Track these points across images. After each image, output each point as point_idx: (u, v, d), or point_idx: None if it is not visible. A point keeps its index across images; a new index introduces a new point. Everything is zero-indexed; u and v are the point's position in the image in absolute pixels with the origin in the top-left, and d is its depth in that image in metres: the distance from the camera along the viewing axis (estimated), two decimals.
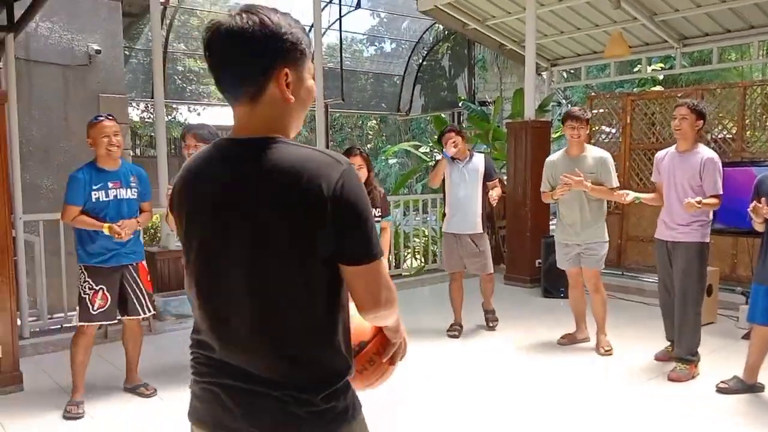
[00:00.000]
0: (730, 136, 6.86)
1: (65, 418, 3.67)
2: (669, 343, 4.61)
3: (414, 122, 18.38)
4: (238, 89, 1.30)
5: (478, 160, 5.23)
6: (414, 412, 3.70)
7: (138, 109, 15.46)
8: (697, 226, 4.20)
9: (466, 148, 5.24)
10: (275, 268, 1.26)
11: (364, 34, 15.80)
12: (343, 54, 11.68)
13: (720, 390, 4.00)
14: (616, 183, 4.68)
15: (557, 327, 5.25)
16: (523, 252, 7.42)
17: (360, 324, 1.43)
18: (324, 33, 9.96)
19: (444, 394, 4.02)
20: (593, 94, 9.82)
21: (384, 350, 1.50)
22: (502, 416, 3.67)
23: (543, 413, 3.71)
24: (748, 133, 6.77)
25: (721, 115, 6.90)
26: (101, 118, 3.82)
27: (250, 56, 1.26)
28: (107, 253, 3.80)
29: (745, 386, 3.98)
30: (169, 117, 15.45)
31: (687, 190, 4.19)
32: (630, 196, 4.44)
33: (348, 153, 4.56)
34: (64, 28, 7.23)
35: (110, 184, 3.81)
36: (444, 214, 5.41)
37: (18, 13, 5.90)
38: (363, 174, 4.46)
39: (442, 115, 11.85)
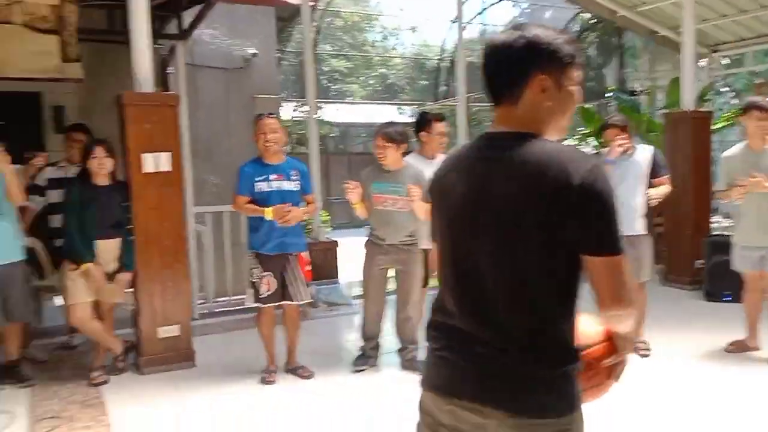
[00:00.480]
0: None
1: (263, 382, 4.15)
2: None
3: None
4: (500, 94, 1.47)
5: (643, 154, 4.63)
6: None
7: (289, 108, 16.33)
8: None
9: (632, 144, 4.63)
10: (521, 253, 1.37)
11: (505, 27, 15.55)
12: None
13: None
14: None
15: (722, 333, 4.83)
16: (682, 252, 6.92)
17: (588, 329, 1.48)
18: (465, 27, 9.91)
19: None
20: (761, 81, 8.95)
21: (606, 357, 1.51)
22: None
23: None
24: None
25: None
26: (263, 115, 4.18)
27: (509, 65, 1.44)
28: (274, 241, 4.09)
29: None
30: (316, 115, 16.18)
31: None
32: None
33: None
34: (225, 34, 7.80)
35: (272, 177, 4.12)
36: None
37: (186, 22, 6.47)
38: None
39: (590, 107, 11.34)
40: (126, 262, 4.25)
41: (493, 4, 10.17)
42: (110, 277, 4.20)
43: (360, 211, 4.26)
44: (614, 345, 1.52)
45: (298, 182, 4.20)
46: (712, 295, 6.20)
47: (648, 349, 4.64)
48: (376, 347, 4.49)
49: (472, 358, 1.42)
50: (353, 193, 4.15)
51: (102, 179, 4.16)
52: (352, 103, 14.64)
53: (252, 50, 7.83)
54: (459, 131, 7.16)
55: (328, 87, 13.52)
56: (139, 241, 4.30)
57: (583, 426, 1.44)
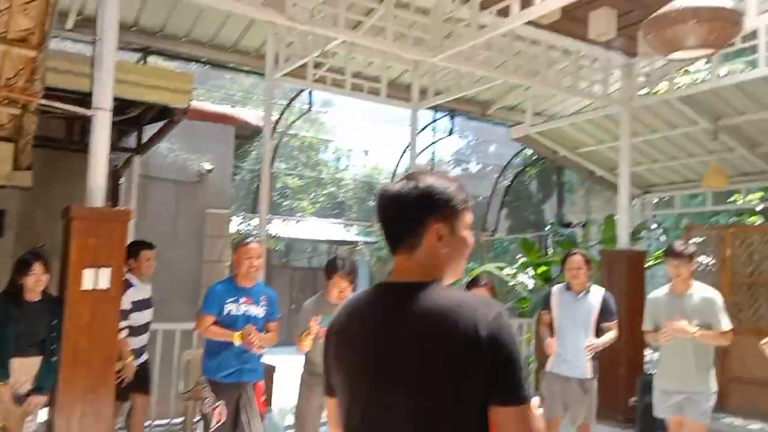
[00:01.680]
0: None
1: None
2: None
3: (497, 242, 18.39)
4: (398, 242, 1.50)
5: (596, 296, 4.68)
6: None
7: (236, 221, 16.35)
8: None
9: (586, 280, 4.73)
10: (431, 409, 1.35)
11: (452, 157, 16.36)
12: None
13: None
14: (727, 326, 4.27)
15: None
16: (616, 389, 6.98)
17: None
18: (418, 155, 10.39)
19: None
20: (690, 224, 9.57)
21: None
22: None
23: None
24: None
25: None
26: (249, 241, 4.14)
27: (406, 215, 1.48)
28: (231, 368, 3.93)
29: None
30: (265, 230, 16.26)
31: None
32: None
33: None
34: (182, 147, 7.90)
35: (243, 300, 4.03)
36: (534, 345, 5.10)
37: (146, 135, 6.56)
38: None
39: (529, 238, 11.79)
40: (42, 383, 3.88)
41: (441, 139, 10.77)
42: (21, 399, 3.84)
43: (307, 345, 4.05)
44: None
45: (265, 308, 4.12)
46: None
47: None
48: None
49: None
50: (314, 327, 3.93)
51: (34, 295, 3.94)
52: (301, 219, 14.83)
53: (208, 165, 7.93)
54: None
55: (279, 202, 13.72)
56: (66, 360, 3.95)
57: None
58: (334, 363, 1.53)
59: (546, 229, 12.17)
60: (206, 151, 8.05)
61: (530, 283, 9.46)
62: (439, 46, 5.68)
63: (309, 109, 9.09)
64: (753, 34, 6.15)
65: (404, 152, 10.72)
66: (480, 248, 19.48)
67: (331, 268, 4.13)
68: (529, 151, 12.44)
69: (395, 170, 12.80)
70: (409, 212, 1.47)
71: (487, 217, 13.77)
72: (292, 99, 9.07)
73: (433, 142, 10.79)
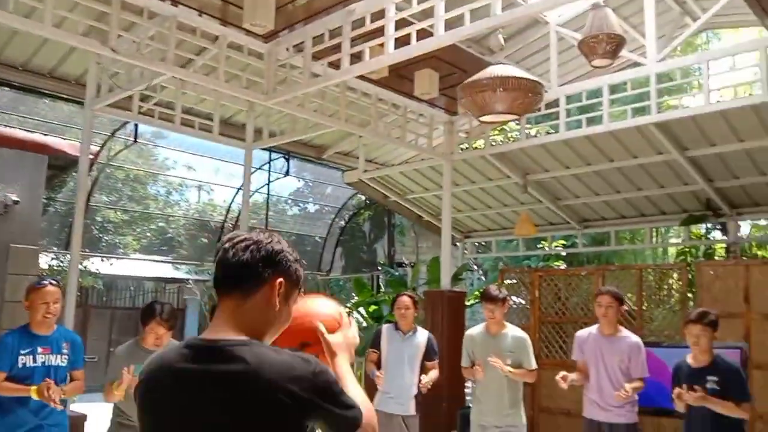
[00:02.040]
0: (630, 311, 7.35)
1: None
2: None
3: (333, 281, 18.58)
4: (234, 284, 1.51)
5: (422, 336, 5.02)
6: None
7: (48, 257, 14.91)
8: (630, 407, 4.47)
9: (413, 321, 5.05)
10: None
11: (288, 197, 16.36)
12: (268, 213, 11.99)
13: None
14: (534, 365, 4.72)
15: None
16: (438, 423, 7.33)
17: (308, 322, 1.66)
18: (252, 194, 10.27)
19: None
20: (504, 267, 10.40)
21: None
22: None
23: None
24: (645, 309, 7.29)
25: (621, 292, 7.43)
26: (45, 283, 3.72)
27: (255, 259, 1.51)
28: (27, 426, 3.55)
29: None
30: (81, 266, 14.96)
31: (617, 373, 4.46)
32: (569, 379, 4.44)
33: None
34: None
35: (40, 350, 3.65)
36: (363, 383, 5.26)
37: None
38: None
39: (362, 277, 12.10)
40: None
41: (278, 178, 10.77)
42: None
43: (118, 396, 3.74)
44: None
45: (67, 356, 3.76)
46: None
47: None
48: None
49: None
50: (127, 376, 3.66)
51: None
52: (123, 258, 13.90)
53: (14, 197, 7.19)
54: None
55: (99, 237, 12.77)
56: None
57: None
58: (141, 415, 1.51)
59: (378, 269, 12.55)
60: (13, 181, 7.31)
61: (363, 322, 9.68)
62: (272, 90, 5.74)
63: (134, 141, 8.63)
64: (555, 102, 6.97)
65: (238, 191, 10.55)
66: (317, 287, 19.59)
67: (147, 313, 3.92)
68: (363, 196, 12.86)
69: (229, 207, 12.55)
70: (261, 258, 1.50)
71: (323, 256, 13.92)
72: (116, 130, 8.59)
73: (269, 182, 10.75)
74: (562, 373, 4.49)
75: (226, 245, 1.53)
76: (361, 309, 10.12)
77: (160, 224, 20.00)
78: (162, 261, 17.85)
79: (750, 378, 5.69)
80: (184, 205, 20.44)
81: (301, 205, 16.90)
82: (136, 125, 8.38)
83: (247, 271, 1.50)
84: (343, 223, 14.00)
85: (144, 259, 17.22)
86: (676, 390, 3.97)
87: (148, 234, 19.26)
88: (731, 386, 3.90)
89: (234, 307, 1.50)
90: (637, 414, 4.57)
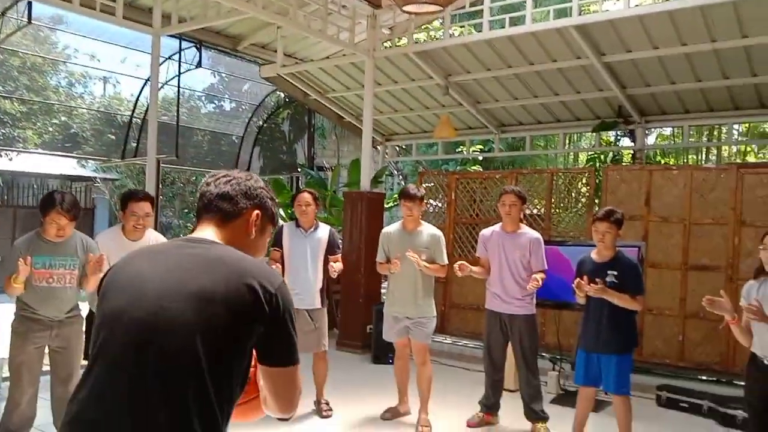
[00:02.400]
0: (539, 213, 7.66)
1: None
2: (479, 409, 4.95)
3: None
4: (213, 213, 1.65)
5: (323, 231, 5.06)
6: None
7: None
8: (530, 299, 4.76)
9: (315, 217, 5.06)
10: (208, 330, 1.43)
11: (202, 92, 15.57)
12: (179, 108, 11.39)
13: None
14: (446, 261, 4.87)
15: (385, 396, 5.32)
16: (355, 318, 7.55)
17: None
18: (161, 87, 9.68)
19: None
20: (423, 170, 10.50)
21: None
22: None
23: None
24: (554, 212, 7.62)
25: (532, 195, 7.69)
26: None
27: (237, 191, 1.66)
28: None
29: None
30: None
31: (519, 267, 4.72)
32: (468, 269, 4.66)
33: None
34: None
35: None
36: None
37: None
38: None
39: (281, 179, 11.91)
40: None
41: (189, 70, 10.14)
42: None
43: (18, 289, 3.63)
44: None
45: None
46: (379, 359, 6.87)
47: (330, 410, 5.01)
48: None
49: None
50: (25, 268, 3.54)
51: None
52: (23, 152, 12.96)
53: None
54: (148, 189, 6.81)
55: None
56: None
57: None
58: (105, 287, 1.56)
59: (298, 170, 12.36)
60: None
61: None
62: None
63: (28, 22, 7.80)
64: (481, 1, 6.83)
65: (146, 82, 9.91)
66: None
67: (47, 203, 3.71)
68: (282, 93, 12.42)
69: (136, 101, 11.81)
70: (240, 191, 1.65)
71: (240, 156, 13.52)
72: (6, 9, 7.72)
73: (179, 74, 10.12)
74: (460, 262, 4.69)
75: (209, 180, 1.68)
76: (280, 211, 10.02)
77: (63, 118, 18.69)
78: (67, 156, 16.88)
79: (645, 275, 6.14)
80: (88, 99, 19.11)
81: (216, 102, 16.15)
82: (29, 3, 7.54)
83: (227, 201, 1.64)
84: (261, 122, 13.54)
85: (47, 154, 16.21)
86: (577, 280, 4.22)
87: (50, 129, 18.01)
88: (629, 280, 4.17)
89: (214, 229, 1.63)
90: (536, 306, 4.87)
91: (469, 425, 4.89)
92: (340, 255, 5.11)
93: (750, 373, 3.13)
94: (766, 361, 2.98)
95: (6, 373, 4.02)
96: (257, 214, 1.66)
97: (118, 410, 1.38)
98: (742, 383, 3.46)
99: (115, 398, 1.39)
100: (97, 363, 1.44)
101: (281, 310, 1.49)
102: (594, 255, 4.37)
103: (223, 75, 15.31)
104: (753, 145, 12.48)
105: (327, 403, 5.06)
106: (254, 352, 1.51)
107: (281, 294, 1.50)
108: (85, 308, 4.10)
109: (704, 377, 6.36)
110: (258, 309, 1.45)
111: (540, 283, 4.57)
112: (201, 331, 1.40)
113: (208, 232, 1.62)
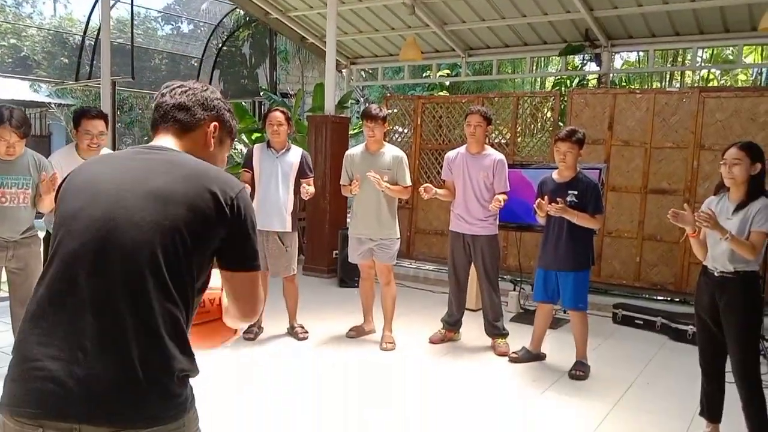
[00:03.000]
0: (505, 141, 7.66)
1: None
2: (441, 326, 5.09)
3: None
4: (170, 124, 1.61)
5: (296, 154, 4.93)
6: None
7: None
8: (492, 220, 4.83)
9: (287, 138, 4.93)
10: (168, 228, 1.42)
11: (159, 11, 14.86)
12: (134, 30, 10.88)
13: (512, 360, 4.62)
14: (409, 182, 4.88)
15: (350, 317, 5.43)
16: (321, 243, 7.59)
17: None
18: (113, 5, 9.19)
19: (238, 395, 3.97)
20: (388, 94, 10.32)
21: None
22: (280, 408, 3.72)
23: (327, 406, 3.83)
24: (519, 139, 7.62)
25: (498, 122, 7.66)
26: None
27: (194, 101, 1.63)
28: None
29: (532, 355, 4.62)
30: None
31: (482, 188, 4.76)
32: (432, 191, 4.69)
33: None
34: None
35: None
36: None
37: None
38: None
39: (243, 103, 11.60)
40: None
41: None
42: None
43: None
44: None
45: None
46: (345, 282, 6.95)
47: (306, 332, 5.09)
48: None
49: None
50: None
51: None
52: None
53: None
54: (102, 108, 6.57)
55: None
56: None
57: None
58: (64, 191, 1.53)
59: (260, 95, 12.02)
60: None
61: (245, 151, 9.43)
62: None
63: None
64: None
65: (98, 1, 9.39)
66: None
67: None
68: (242, 12, 11.92)
69: (88, 20, 11.21)
70: (197, 101, 1.62)
71: (199, 79, 13.08)
72: None
73: None
74: (426, 185, 4.73)
75: (164, 91, 1.64)
76: (242, 136, 9.82)
77: (12, 41, 17.74)
78: (18, 77, 16.14)
79: (605, 199, 6.25)
80: (37, 19, 18.10)
81: (173, 23, 15.45)
82: None
83: (184, 112, 1.61)
84: (220, 44, 13.04)
85: None
86: (538, 200, 4.27)
87: (0, 50, 17.11)
88: (588, 199, 4.24)
89: (172, 139, 1.60)
90: (498, 228, 4.94)
91: (431, 341, 5.03)
92: (312, 179, 5.02)
93: (699, 285, 3.24)
94: (716, 273, 3.09)
95: None
96: (215, 126, 1.64)
97: (80, 307, 1.35)
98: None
99: (75, 294, 1.36)
100: (54, 261, 1.42)
101: (242, 215, 1.49)
102: (555, 175, 4.41)
103: None
104: (715, 72, 12.57)
105: (302, 326, 5.11)
106: (214, 262, 1.52)
107: (241, 198, 1.50)
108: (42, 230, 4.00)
109: (659, 297, 6.62)
110: (219, 212, 1.45)
111: (502, 203, 4.62)
112: (160, 229, 1.39)
113: (166, 141, 1.59)
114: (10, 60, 17.62)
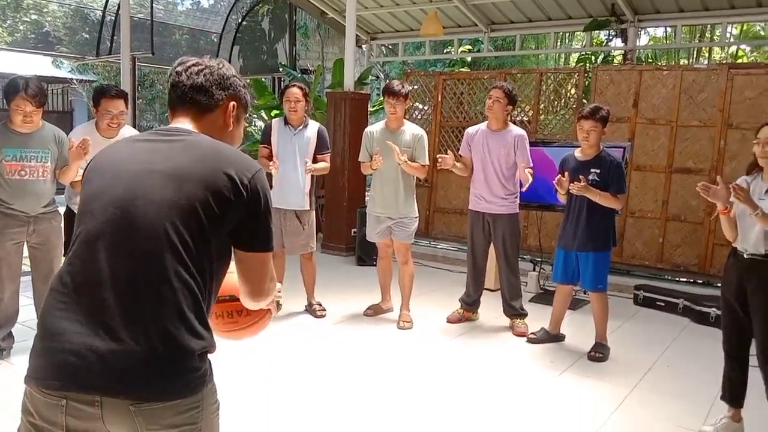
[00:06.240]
0: (527, 118, 7.53)
1: None
2: (459, 306, 5.05)
3: None
4: (189, 106, 1.60)
5: (313, 129, 4.86)
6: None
7: None
8: (513, 198, 4.76)
9: (304, 114, 4.85)
10: (185, 210, 1.44)
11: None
12: (154, 5, 10.84)
13: (530, 341, 4.58)
14: (427, 161, 4.80)
15: (368, 296, 5.41)
16: (339, 221, 7.56)
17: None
18: None
19: (262, 374, 3.99)
20: (409, 71, 10.19)
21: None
22: (302, 389, 3.73)
23: (344, 383, 3.83)
24: (542, 116, 7.48)
25: (520, 98, 7.50)
26: None
27: (212, 82, 1.61)
28: None
29: (551, 336, 4.58)
30: None
31: (502, 165, 4.68)
32: (450, 163, 4.59)
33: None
34: None
35: None
36: None
37: None
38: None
39: (262, 79, 11.55)
40: None
41: None
42: None
43: None
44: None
45: None
46: (364, 260, 6.94)
47: (323, 310, 5.08)
48: (10, 336, 3.91)
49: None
50: None
51: None
52: None
53: None
54: (123, 87, 6.57)
55: None
56: None
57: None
58: (88, 175, 1.56)
59: (280, 71, 11.94)
60: None
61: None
62: None
63: None
64: None
65: None
66: None
67: (11, 89, 3.56)
68: None
69: None
70: (214, 81, 1.60)
71: (219, 54, 13.03)
72: None
73: None
74: (442, 155, 4.63)
75: (179, 69, 1.61)
76: (262, 113, 9.78)
77: (34, 16, 17.82)
78: (40, 53, 16.24)
79: (629, 178, 6.13)
80: None
81: None
82: None
83: (202, 94, 1.59)
84: (240, 19, 12.94)
85: (19, 51, 15.58)
86: (558, 176, 4.18)
87: (21, 27, 17.19)
88: (611, 178, 4.14)
89: (191, 121, 1.59)
90: (519, 207, 4.86)
91: (449, 321, 5.01)
92: (329, 155, 4.97)
93: (727, 267, 3.16)
94: (745, 254, 3.00)
95: None
96: (233, 105, 1.65)
97: (101, 284, 1.39)
98: (719, 284, 3.51)
99: (96, 272, 1.40)
100: (77, 240, 1.46)
101: (259, 197, 1.50)
102: (577, 153, 4.32)
103: None
104: (745, 48, 12.20)
105: (320, 304, 5.10)
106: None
107: (258, 180, 1.51)
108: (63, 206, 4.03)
109: (682, 278, 6.50)
110: (236, 194, 1.46)
111: (530, 177, 4.52)
112: (177, 208, 1.42)
113: (185, 123, 1.60)
114: (32, 36, 17.69)
